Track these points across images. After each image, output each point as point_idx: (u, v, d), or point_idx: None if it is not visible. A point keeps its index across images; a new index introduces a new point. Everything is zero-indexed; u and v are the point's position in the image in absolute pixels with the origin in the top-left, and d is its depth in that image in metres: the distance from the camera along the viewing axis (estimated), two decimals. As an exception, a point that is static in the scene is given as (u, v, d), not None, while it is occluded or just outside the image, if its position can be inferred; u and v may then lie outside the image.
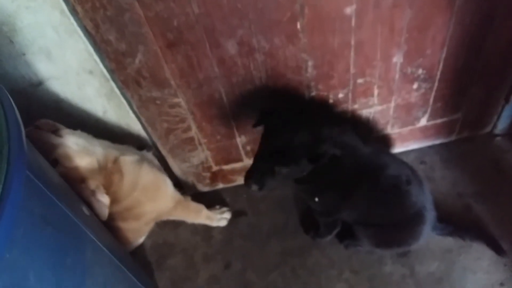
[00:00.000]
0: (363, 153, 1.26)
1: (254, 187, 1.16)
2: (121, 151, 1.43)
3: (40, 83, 1.34)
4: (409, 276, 1.48)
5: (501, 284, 1.41)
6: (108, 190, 1.34)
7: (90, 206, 1.26)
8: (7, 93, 0.79)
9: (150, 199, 1.50)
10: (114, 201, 1.38)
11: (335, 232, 1.51)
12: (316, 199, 1.36)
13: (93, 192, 1.27)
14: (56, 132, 1.29)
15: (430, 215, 1.35)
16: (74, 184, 1.22)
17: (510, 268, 1.43)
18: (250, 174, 1.17)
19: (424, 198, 1.32)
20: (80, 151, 1.29)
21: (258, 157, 1.20)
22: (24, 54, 1.24)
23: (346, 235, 1.52)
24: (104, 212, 1.31)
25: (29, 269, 0.71)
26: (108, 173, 1.36)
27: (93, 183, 1.28)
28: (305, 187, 1.38)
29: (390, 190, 1.27)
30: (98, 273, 1.03)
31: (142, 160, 1.47)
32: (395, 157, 1.37)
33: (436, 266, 1.49)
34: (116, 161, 1.39)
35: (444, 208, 1.53)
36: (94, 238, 1.04)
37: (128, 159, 1.42)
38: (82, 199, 1.23)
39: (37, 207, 0.78)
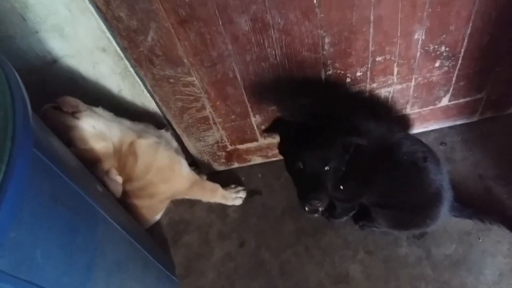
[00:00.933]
0: (382, 135, 1.24)
1: (315, 205, 1.14)
2: (139, 132, 1.42)
3: (54, 61, 1.34)
4: (425, 258, 1.47)
5: (521, 268, 1.38)
6: (121, 172, 1.36)
7: (103, 184, 1.27)
8: (14, 70, 0.78)
9: (164, 181, 1.50)
10: (127, 181, 1.40)
11: (351, 214, 1.50)
12: (341, 187, 1.34)
13: (106, 172, 1.28)
14: (75, 113, 1.29)
15: (448, 195, 1.32)
16: (86, 164, 1.22)
17: (531, 253, 1.40)
18: (307, 193, 1.14)
19: (442, 178, 1.29)
20: (96, 134, 1.29)
21: (298, 174, 1.17)
22: (37, 32, 1.23)
23: (362, 216, 1.51)
24: (118, 190, 1.32)
25: (36, 247, 0.72)
26: (123, 156, 1.36)
27: (106, 165, 1.29)
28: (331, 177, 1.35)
29: (407, 167, 1.24)
30: (111, 251, 1.04)
31: (159, 142, 1.46)
32: (411, 136, 1.34)
33: (453, 249, 1.46)
34: (132, 144, 1.39)
35: (464, 190, 1.50)
36: (106, 216, 1.05)
37: (144, 142, 1.40)
38: (96, 177, 1.24)
39: (45, 186, 0.78)
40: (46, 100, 1.33)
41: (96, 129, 1.30)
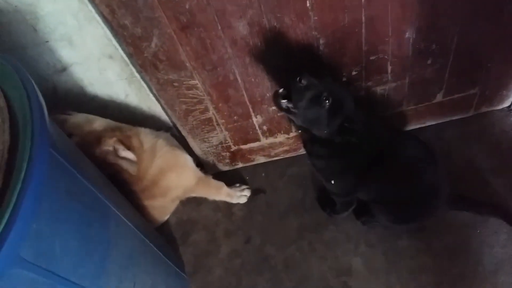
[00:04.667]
0: (379, 135, 1.28)
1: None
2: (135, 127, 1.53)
3: (64, 69, 1.41)
4: (425, 250, 1.51)
5: (518, 257, 1.42)
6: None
7: (118, 171, 1.36)
8: (30, 77, 0.85)
9: (173, 171, 1.55)
10: (138, 177, 1.46)
11: (351, 209, 1.55)
12: (332, 182, 1.39)
13: (115, 151, 1.35)
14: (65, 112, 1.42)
15: (446, 190, 1.36)
16: (93, 149, 1.33)
17: (527, 242, 1.44)
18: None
19: (440, 174, 1.33)
20: (88, 119, 1.42)
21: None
22: (47, 41, 1.30)
23: (363, 212, 1.55)
24: (133, 167, 1.39)
25: (55, 239, 0.78)
26: (125, 136, 1.42)
27: (110, 140, 1.36)
28: (321, 169, 1.41)
29: (405, 169, 1.28)
30: (123, 246, 1.10)
31: (159, 136, 1.55)
32: (409, 135, 1.38)
33: (452, 241, 1.50)
34: (131, 129, 1.48)
35: (461, 184, 1.53)
36: (118, 213, 1.12)
37: (144, 130, 1.51)
38: (108, 166, 1.33)
39: (61, 183, 0.84)
40: (57, 105, 1.41)
41: (88, 118, 1.45)
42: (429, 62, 1.41)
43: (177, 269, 1.54)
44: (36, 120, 0.77)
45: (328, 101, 1.11)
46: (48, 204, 0.78)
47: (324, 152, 1.30)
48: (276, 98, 1.17)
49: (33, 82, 0.84)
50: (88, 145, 1.34)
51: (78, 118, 1.43)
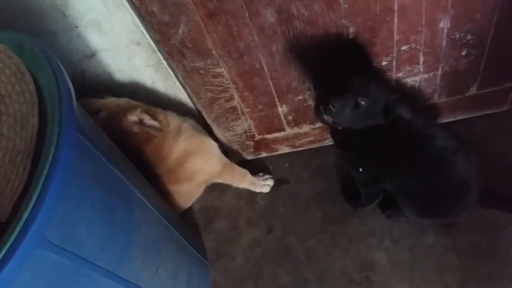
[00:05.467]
0: (412, 124, 1.24)
1: (328, 116, 1.16)
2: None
3: (92, 55, 1.43)
4: (451, 248, 1.47)
5: (550, 259, 1.36)
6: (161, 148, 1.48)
7: (143, 144, 1.43)
8: (59, 62, 0.86)
9: (197, 154, 1.56)
10: (162, 156, 1.49)
11: (376, 202, 1.52)
12: (360, 169, 1.37)
13: (141, 122, 1.40)
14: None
15: (476, 186, 1.31)
16: (120, 120, 1.40)
17: (561, 243, 1.38)
18: (325, 103, 1.15)
19: (471, 169, 1.28)
20: (118, 99, 1.47)
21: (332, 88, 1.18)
22: (76, 27, 1.32)
23: (389, 205, 1.52)
24: (159, 132, 1.44)
25: (80, 223, 0.80)
26: (151, 112, 1.46)
27: (136, 110, 1.40)
28: (350, 156, 1.38)
29: (436, 161, 1.25)
30: (146, 231, 1.12)
31: (184, 120, 1.57)
32: (442, 127, 1.34)
33: (480, 239, 1.46)
34: (158, 109, 1.51)
35: (492, 180, 1.47)
36: (143, 198, 1.13)
37: (170, 112, 1.54)
38: (134, 139, 1.40)
39: (88, 167, 0.86)
40: (85, 90, 1.43)
41: (115, 99, 1.50)
42: (463, 53, 1.35)
43: (199, 256, 1.55)
44: (64, 105, 0.77)
45: (365, 103, 1.14)
46: (75, 188, 0.80)
47: (356, 142, 1.29)
48: (319, 115, 1.20)
49: (62, 67, 0.85)
50: (115, 117, 1.40)
51: (110, 99, 1.49)
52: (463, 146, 1.29)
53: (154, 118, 1.44)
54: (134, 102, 1.50)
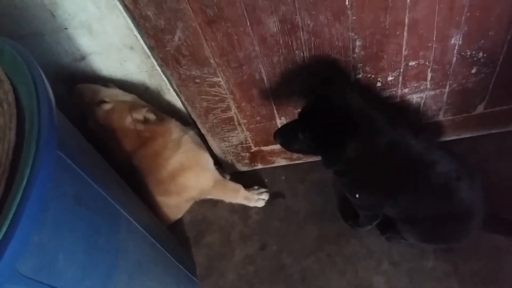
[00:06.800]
0: (411, 150, 1.16)
1: (279, 140, 1.20)
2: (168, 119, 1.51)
3: (83, 58, 1.35)
4: (453, 273, 1.41)
5: (556, 289, 1.31)
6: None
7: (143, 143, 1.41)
8: (41, 71, 0.78)
9: (193, 170, 1.50)
10: (157, 165, 1.44)
11: (375, 223, 1.45)
12: (357, 195, 1.30)
13: (145, 121, 1.38)
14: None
15: (480, 211, 1.25)
16: (122, 119, 1.37)
17: None
18: (279, 131, 1.21)
19: (475, 194, 1.22)
20: (125, 93, 1.42)
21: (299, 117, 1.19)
22: (66, 28, 1.24)
23: (388, 227, 1.45)
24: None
25: (59, 251, 0.72)
26: (158, 116, 1.43)
27: (143, 109, 1.37)
28: (345, 181, 1.32)
29: (438, 188, 1.17)
30: (132, 252, 1.04)
31: (186, 131, 1.51)
32: (445, 149, 1.26)
33: (482, 265, 1.40)
34: (162, 119, 1.46)
35: (496, 203, 1.41)
36: (129, 217, 1.05)
37: (174, 121, 1.49)
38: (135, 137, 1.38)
39: (69, 188, 0.77)
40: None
41: (124, 93, 1.44)
42: (473, 71, 1.29)
43: (188, 273, 1.47)
44: (43, 120, 0.69)
45: (304, 137, 1.14)
46: (53, 212, 0.72)
47: (346, 168, 1.22)
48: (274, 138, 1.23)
49: (44, 77, 0.77)
50: (118, 113, 1.36)
51: (116, 90, 1.43)
52: (468, 168, 1.22)
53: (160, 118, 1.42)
54: (142, 102, 1.45)
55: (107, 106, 1.36)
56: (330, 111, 1.10)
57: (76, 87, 1.38)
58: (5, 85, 0.81)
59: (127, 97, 1.42)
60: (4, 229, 0.61)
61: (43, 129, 0.69)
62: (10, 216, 0.62)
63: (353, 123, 1.07)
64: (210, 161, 1.56)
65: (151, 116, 1.38)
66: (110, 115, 1.37)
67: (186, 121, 1.61)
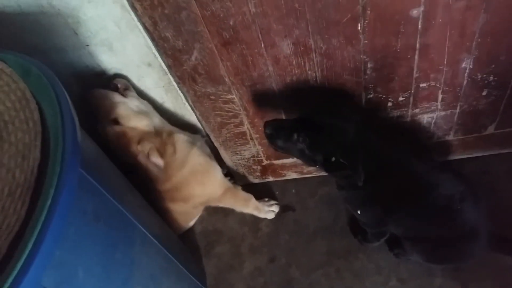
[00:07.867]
0: (412, 171, 1.19)
1: (268, 131, 1.18)
2: (176, 129, 1.52)
3: (103, 73, 1.40)
4: (461, 291, 1.41)
5: None
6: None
7: (144, 172, 1.38)
8: (65, 91, 0.82)
9: (198, 182, 1.53)
10: (164, 178, 1.45)
11: (383, 239, 1.46)
12: (359, 212, 1.32)
13: (148, 155, 1.36)
14: (125, 90, 1.40)
15: (485, 232, 1.25)
16: (129, 145, 1.37)
17: None
18: (273, 122, 1.19)
19: (478, 215, 1.22)
20: (139, 113, 1.40)
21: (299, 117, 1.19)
22: (87, 45, 1.29)
23: (397, 244, 1.46)
24: (159, 172, 1.41)
25: (78, 265, 0.76)
26: (163, 142, 1.43)
27: (148, 145, 1.36)
28: (346, 197, 1.35)
29: (441, 209, 1.19)
30: (146, 265, 1.08)
31: (194, 142, 1.52)
32: (450, 170, 1.27)
33: (491, 285, 1.40)
34: (170, 134, 1.46)
35: (505, 224, 1.42)
36: (143, 229, 1.09)
37: (182, 137, 1.48)
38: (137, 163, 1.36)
39: (89, 204, 0.82)
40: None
41: (139, 109, 1.41)
42: (484, 93, 1.31)
43: (199, 283, 1.51)
44: (68, 141, 0.73)
45: (300, 140, 1.14)
46: (74, 228, 0.76)
47: (344, 183, 1.26)
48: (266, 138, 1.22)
49: (67, 97, 0.81)
50: (128, 139, 1.37)
51: (131, 108, 1.39)
52: (472, 189, 1.22)
53: (163, 149, 1.41)
54: (154, 124, 1.44)
55: (117, 129, 1.38)
56: (335, 128, 1.14)
57: (93, 91, 1.37)
58: (31, 104, 0.86)
59: (141, 121, 1.40)
60: (30, 245, 0.65)
61: (67, 148, 0.73)
62: (36, 233, 0.66)
63: (353, 147, 1.11)
64: (218, 171, 1.57)
65: (154, 154, 1.37)
66: (118, 137, 1.38)
67: (197, 130, 1.65)
